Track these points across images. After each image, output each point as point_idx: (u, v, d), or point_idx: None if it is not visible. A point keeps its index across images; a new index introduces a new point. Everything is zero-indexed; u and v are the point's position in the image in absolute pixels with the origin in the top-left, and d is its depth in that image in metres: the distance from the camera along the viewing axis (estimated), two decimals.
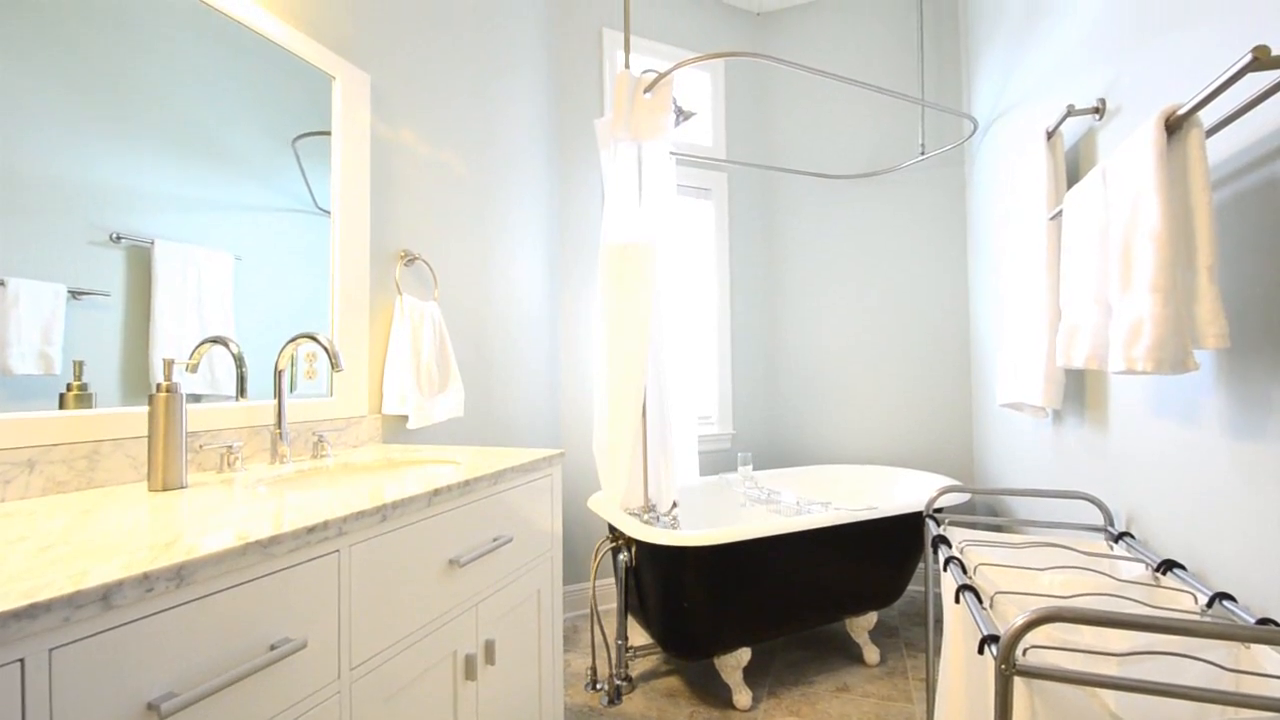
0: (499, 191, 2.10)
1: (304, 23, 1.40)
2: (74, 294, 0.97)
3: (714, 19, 2.86)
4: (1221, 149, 0.99)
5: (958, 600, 1.07)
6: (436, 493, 0.97)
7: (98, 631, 0.52)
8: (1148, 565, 1.10)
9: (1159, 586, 1.05)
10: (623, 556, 1.81)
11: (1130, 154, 1.00)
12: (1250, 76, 0.88)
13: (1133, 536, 1.23)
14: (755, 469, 2.80)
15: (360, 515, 0.81)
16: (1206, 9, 1.02)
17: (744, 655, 1.80)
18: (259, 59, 1.28)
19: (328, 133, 1.45)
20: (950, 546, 1.28)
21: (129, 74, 1.05)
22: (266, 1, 1.31)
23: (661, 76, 1.86)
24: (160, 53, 1.09)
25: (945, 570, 1.19)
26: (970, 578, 1.12)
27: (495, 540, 1.13)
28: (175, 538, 0.67)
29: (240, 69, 1.24)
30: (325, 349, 1.16)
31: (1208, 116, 0.98)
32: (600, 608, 2.46)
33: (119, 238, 1.03)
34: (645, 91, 1.87)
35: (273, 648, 0.68)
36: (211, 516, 0.78)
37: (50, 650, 0.49)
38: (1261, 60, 0.77)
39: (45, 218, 0.93)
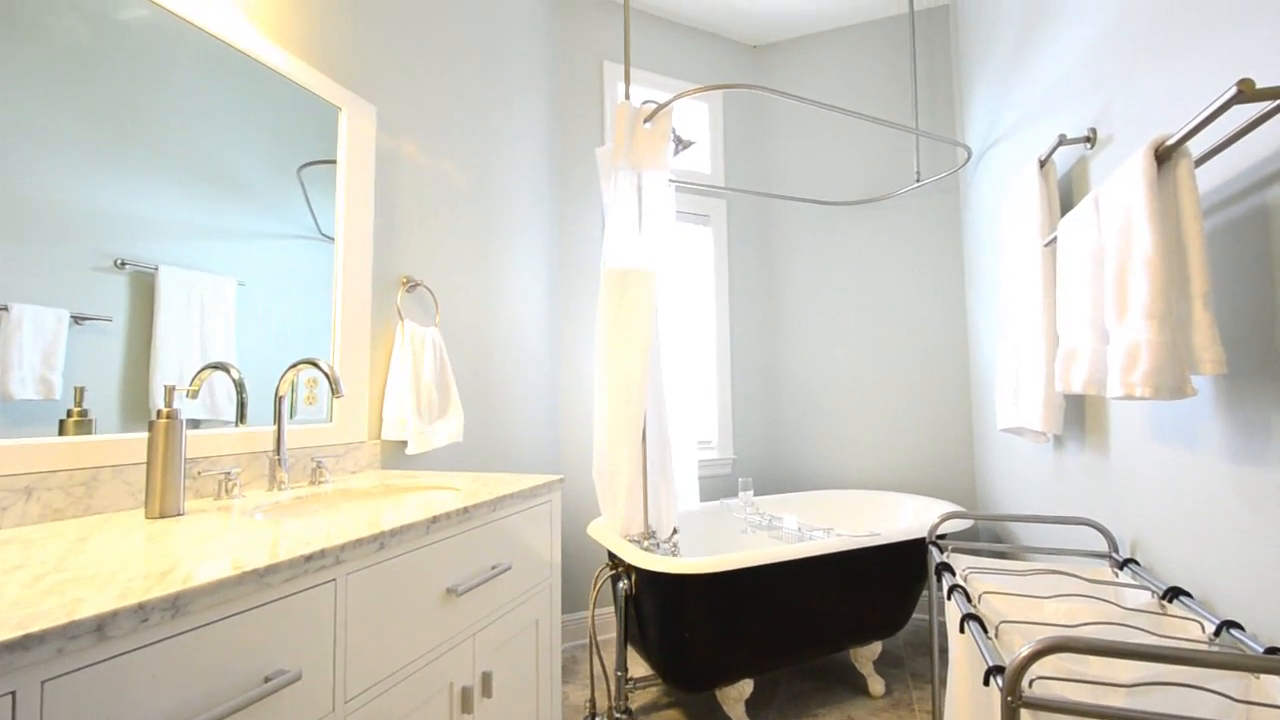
0: (501, 217, 2.13)
1: (312, 55, 1.44)
2: (76, 319, 0.97)
3: (712, 51, 2.93)
4: (1212, 177, 1.01)
5: (962, 630, 1.05)
6: (435, 520, 0.96)
7: (92, 663, 0.52)
8: (1153, 593, 1.08)
9: (1165, 614, 1.04)
10: (622, 584, 1.79)
11: (1121, 183, 1.02)
12: (1237, 108, 0.90)
13: (1137, 563, 1.21)
14: (756, 494, 2.78)
15: (358, 543, 0.80)
16: (1193, 41, 1.05)
17: (746, 687, 1.77)
18: (267, 90, 1.30)
19: (333, 161, 1.47)
20: (954, 574, 1.27)
21: (138, 103, 1.07)
22: (275, 35, 1.34)
23: (661, 107, 1.90)
24: (170, 83, 1.12)
25: (949, 599, 1.18)
26: (975, 606, 1.10)
27: (494, 568, 1.11)
28: (171, 567, 0.66)
29: (248, 99, 1.26)
30: (326, 375, 1.17)
31: (1197, 146, 1.01)
32: (599, 637, 2.42)
33: (123, 263, 1.04)
34: (645, 122, 1.91)
35: (267, 679, 0.67)
36: (208, 545, 0.77)
37: (43, 682, 0.48)
38: (1246, 93, 0.79)
39: (51, 243, 0.94)
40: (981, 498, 2.48)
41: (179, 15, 1.13)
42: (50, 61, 0.95)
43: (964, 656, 1.10)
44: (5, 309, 0.89)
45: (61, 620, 0.49)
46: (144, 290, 1.07)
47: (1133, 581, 1.16)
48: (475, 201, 2.01)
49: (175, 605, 0.57)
